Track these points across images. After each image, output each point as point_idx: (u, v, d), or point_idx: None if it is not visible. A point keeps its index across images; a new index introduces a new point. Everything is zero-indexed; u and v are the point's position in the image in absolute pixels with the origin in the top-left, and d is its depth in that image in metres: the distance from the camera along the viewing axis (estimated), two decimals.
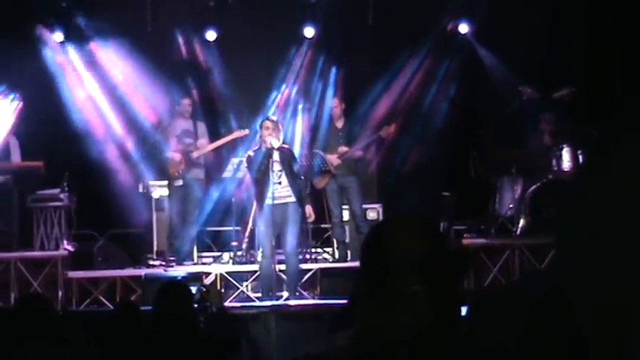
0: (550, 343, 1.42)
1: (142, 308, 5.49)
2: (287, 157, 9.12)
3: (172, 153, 10.43)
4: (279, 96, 11.52)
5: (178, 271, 9.78)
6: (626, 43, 10.53)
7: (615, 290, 0.99)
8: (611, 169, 1.02)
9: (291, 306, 8.85)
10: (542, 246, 9.20)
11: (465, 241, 9.89)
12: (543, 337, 1.43)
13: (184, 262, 10.28)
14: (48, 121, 10.61)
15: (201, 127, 10.66)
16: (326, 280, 9.61)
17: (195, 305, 5.49)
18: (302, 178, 9.46)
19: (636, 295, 0.97)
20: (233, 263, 10.28)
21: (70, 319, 8.25)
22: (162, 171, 10.73)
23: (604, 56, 10.84)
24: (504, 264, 9.64)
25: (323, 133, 10.61)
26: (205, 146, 10.53)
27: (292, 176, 9.08)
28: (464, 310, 1.72)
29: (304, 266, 9.75)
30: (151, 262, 10.45)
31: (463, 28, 11.77)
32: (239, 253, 10.40)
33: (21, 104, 10.38)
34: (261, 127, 9.17)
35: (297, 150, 10.58)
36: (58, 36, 11.37)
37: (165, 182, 10.70)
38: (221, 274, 9.78)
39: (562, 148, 9.90)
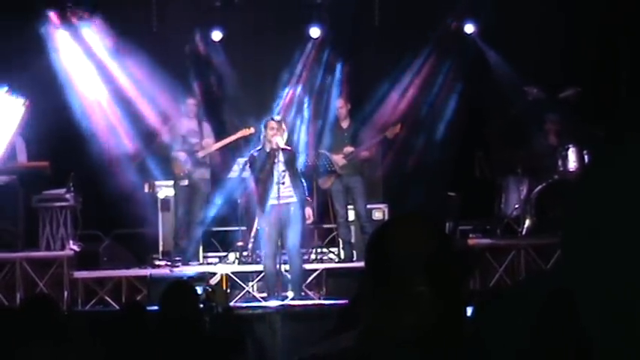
0: (555, 343, 1.42)
1: (148, 308, 5.50)
2: (291, 158, 9.12)
3: (178, 153, 10.44)
4: (284, 96, 11.52)
5: (184, 272, 9.78)
6: (632, 44, 10.52)
7: (620, 291, 0.98)
8: (616, 170, 1.02)
9: (296, 306, 8.85)
10: (548, 246, 9.18)
11: (471, 242, 9.86)
12: (548, 338, 1.43)
13: (190, 263, 10.27)
14: (54, 122, 10.60)
15: (207, 127, 10.66)
16: (332, 281, 9.61)
17: (201, 305, 5.49)
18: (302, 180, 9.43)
19: None
20: (239, 263, 10.27)
21: (75, 320, 8.28)
22: (168, 171, 10.74)
23: (610, 56, 10.83)
24: (510, 264, 9.63)
25: (328, 134, 10.60)
26: (211, 145, 10.53)
27: (295, 177, 9.08)
28: (469, 311, 1.72)
29: (310, 266, 9.74)
30: (157, 263, 10.43)
31: (469, 28, 11.75)
32: (245, 253, 10.39)
33: (27, 105, 10.38)
34: (265, 127, 9.15)
35: (302, 150, 10.58)
36: (63, 35, 11.36)
37: (171, 182, 10.71)
38: (227, 275, 9.77)
39: (568, 149, 9.88)
